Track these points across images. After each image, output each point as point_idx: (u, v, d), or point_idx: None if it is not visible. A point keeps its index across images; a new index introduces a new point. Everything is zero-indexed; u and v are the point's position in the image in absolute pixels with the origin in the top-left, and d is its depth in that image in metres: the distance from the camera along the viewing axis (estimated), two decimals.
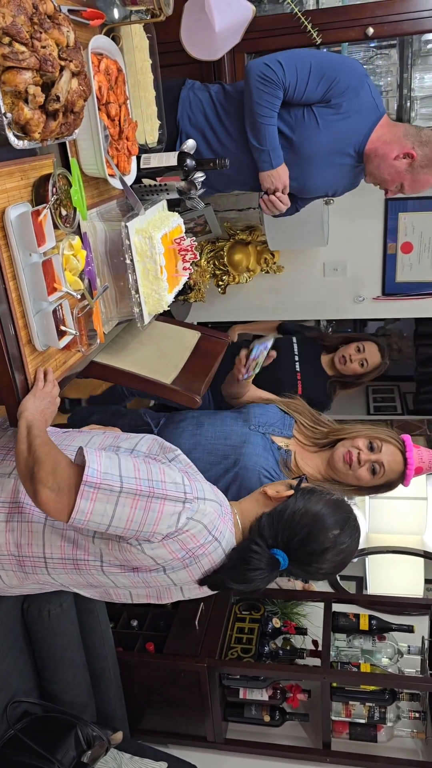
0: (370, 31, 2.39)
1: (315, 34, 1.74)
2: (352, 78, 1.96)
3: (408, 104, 2.68)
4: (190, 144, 1.88)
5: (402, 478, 1.83)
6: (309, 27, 1.79)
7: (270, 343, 1.98)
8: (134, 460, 1.20)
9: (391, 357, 6.18)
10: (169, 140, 2.02)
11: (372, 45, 2.69)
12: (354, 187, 2.30)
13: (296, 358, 2.75)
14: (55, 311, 1.32)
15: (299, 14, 1.66)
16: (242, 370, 1.91)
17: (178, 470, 1.23)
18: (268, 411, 1.96)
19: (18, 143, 1.17)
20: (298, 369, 2.72)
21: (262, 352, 1.95)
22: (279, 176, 2.03)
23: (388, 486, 1.86)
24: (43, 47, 1.13)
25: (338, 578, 3.54)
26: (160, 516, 1.15)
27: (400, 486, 3.85)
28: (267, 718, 2.65)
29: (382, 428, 1.90)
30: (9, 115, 1.12)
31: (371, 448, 1.81)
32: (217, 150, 2.11)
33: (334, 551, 1.26)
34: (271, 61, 1.89)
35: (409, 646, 2.72)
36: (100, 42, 1.52)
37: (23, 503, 1.29)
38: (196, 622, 2.64)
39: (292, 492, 1.30)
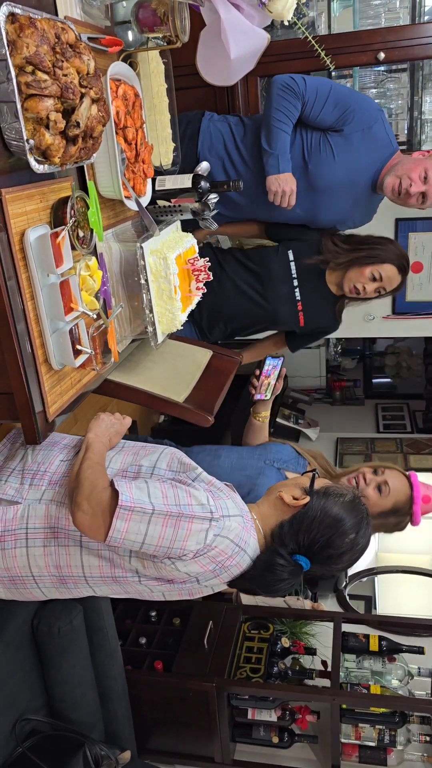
0: (381, 55, 2.44)
1: (328, 60, 1.78)
2: (365, 111, 2.02)
3: (418, 127, 2.71)
4: (204, 166, 1.92)
5: (410, 503, 1.85)
6: (322, 53, 1.83)
7: (281, 361, 2.02)
8: (161, 486, 1.29)
9: (401, 375, 6.20)
10: (189, 170, 2.06)
11: (383, 69, 2.73)
12: (367, 221, 2.32)
13: (295, 283, 2.27)
14: (71, 331, 1.34)
15: (312, 40, 1.70)
16: (254, 391, 1.97)
17: (203, 490, 1.30)
18: (283, 449, 2.03)
19: (39, 168, 1.19)
20: (298, 297, 2.27)
21: (273, 369, 2.00)
22: (285, 180, 2.03)
23: (395, 511, 1.87)
24: (65, 75, 1.17)
25: (348, 597, 3.52)
26: (189, 533, 1.24)
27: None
28: (275, 740, 2.62)
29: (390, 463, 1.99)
30: (31, 141, 1.15)
31: (375, 473, 1.90)
32: (237, 165, 2.15)
33: (351, 552, 1.37)
34: (296, 76, 1.96)
35: (419, 668, 2.69)
36: (118, 68, 1.56)
37: (57, 528, 1.35)
38: (205, 641, 2.63)
39: (308, 499, 1.36)
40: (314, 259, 2.24)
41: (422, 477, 1.94)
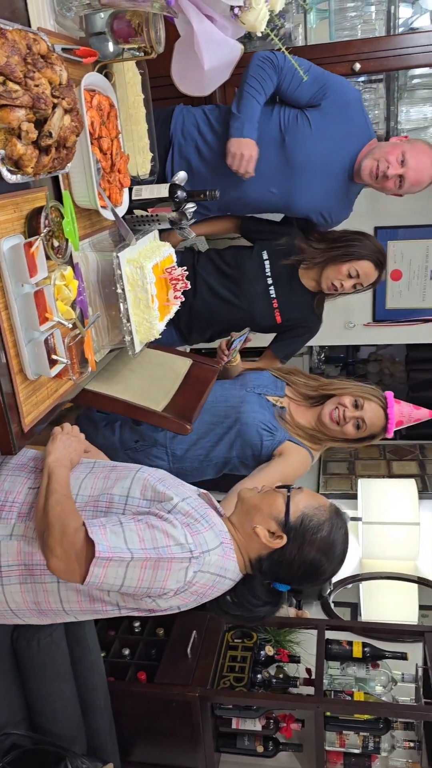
0: (357, 66, 2.47)
1: (302, 72, 1.80)
2: (342, 89, 2.08)
3: (395, 136, 2.74)
4: (181, 176, 1.92)
5: (384, 431, 2.05)
6: (295, 64, 1.85)
7: (247, 334, 2.17)
8: (137, 528, 1.23)
9: (384, 382, 6.23)
10: (162, 151, 2.12)
11: (360, 80, 2.77)
12: (346, 215, 2.34)
13: (269, 281, 2.27)
14: (46, 340, 1.34)
15: (285, 51, 1.72)
16: (224, 358, 2.12)
17: (180, 525, 1.25)
18: (261, 375, 2.15)
19: (11, 177, 1.19)
20: (273, 295, 2.28)
21: (239, 342, 2.15)
22: (246, 144, 2.03)
23: (372, 438, 2.07)
24: (36, 86, 1.17)
25: (332, 605, 3.52)
26: (169, 573, 1.22)
27: (393, 512, 3.88)
28: (260, 749, 2.61)
29: (367, 386, 2.10)
30: (2, 151, 1.15)
31: (356, 406, 2.01)
32: (208, 159, 2.16)
33: (330, 576, 1.41)
34: (277, 52, 2.02)
35: (402, 674, 2.70)
36: (92, 79, 1.56)
37: (32, 565, 1.31)
38: (188, 651, 2.62)
39: (284, 541, 1.32)
40: (290, 259, 2.26)
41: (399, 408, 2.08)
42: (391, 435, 2.08)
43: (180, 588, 1.24)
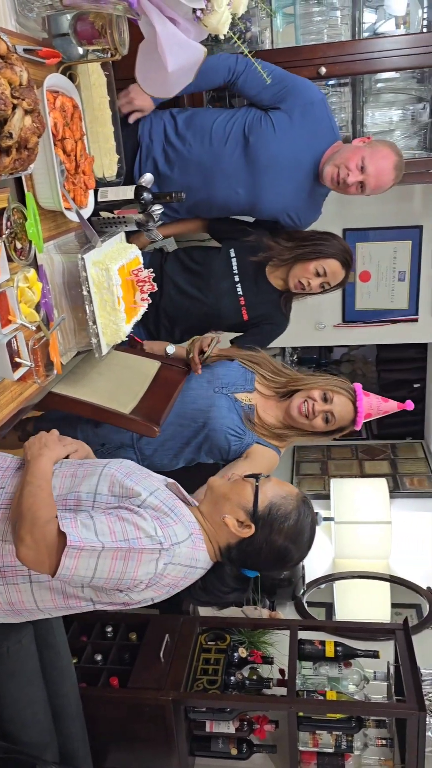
0: (323, 70, 2.48)
1: (265, 75, 1.82)
2: (305, 89, 2.10)
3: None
4: (147, 178, 1.92)
5: (353, 424, 2.06)
6: (258, 67, 1.86)
7: (218, 339, 2.15)
8: (108, 521, 1.24)
9: (356, 382, 6.31)
10: (130, 154, 2.12)
11: (332, 83, 2.79)
12: (314, 218, 2.36)
13: (236, 278, 2.27)
14: (9, 343, 1.33)
15: (248, 54, 1.73)
16: (198, 369, 2.06)
17: (150, 518, 1.26)
18: (230, 370, 2.11)
19: None
20: (240, 292, 2.27)
21: (210, 349, 2.13)
22: (144, 97, 2.07)
23: (340, 430, 2.08)
24: None
25: (306, 605, 3.54)
26: (139, 564, 1.23)
27: (365, 511, 3.91)
28: (234, 752, 2.61)
29: (336, 379, 2.11)
30: None
31: (325, 399, 2.01)
32: (175, 161, 2.17)
33: (298, 562, 1.46)
34: (240, 56, 2.08)
35: (375, 672, 2.72)
36: (55, 80, 1.56)
37: (3, 567, 1.31)
38: (161, 654, 2.60)
39: (252, 530, 1.34)
40: (258, 256, 2.26)
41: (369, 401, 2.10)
42: (359, 428, 2.10)
43: (151, 580, 1.25)
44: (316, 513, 3.79)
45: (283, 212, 2.24)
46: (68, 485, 1.36)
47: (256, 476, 1.41)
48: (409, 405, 2.12)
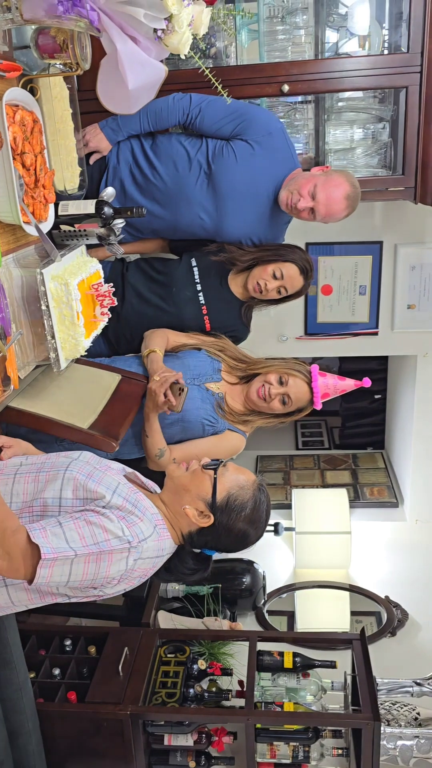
0: (286, 87, 2.52)
1: (225, 94, 1.84)
2: (263, 120, 2.15)
3: (323, 156, 2.82)
4: (109, 192, 1.93)
5: (311, 404, 2.17)
6: (218, 86, 1.88)
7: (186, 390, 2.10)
8: (76, 526, 1.28)
9: None
10: (96, 172, 2.18)
11: (290, 101, 2.83)
12: (279, 239, 2.39)
13: (198, 287, 2.29)
14: None
15: (208, 73, 1.75)
16: (168, 409, 2.04)
17: (117, 519, 1.31)
18: (198, 361, 2.20)
19: None
20: (202, 301, 2.30)
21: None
22: (100, 139, 2.14)
23: (301, 411, 2.19)
24: None
25: (267, 614, 3.56)
26: (110, 564, 1.29)
27: (325, 521, 3.92)
28: (192, 765, 2.60)
29: (293, 362, 2.21)
30: None
31: (281, 382, 2.12)
32: (141, 184, 2.19)
33: (255, 541, 1.52)
34: (192, 95, 2.15)
35: (332, 682, 2.74)
36: (14, 94, 1.55)
37: None
38: (120, 668, 2.58)
39: (212, 520, 1.42)
40: (220, 256, 2.28)
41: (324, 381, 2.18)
42: (318, 407, 2.18)
43: (123, 576, 1.33)
44: (277, 523, 3.81)
45: (246, 237, 2.29)
46: (32, 491, 1.38)
47: (215, 465, 1.46)
48: (366, 382, 2.22)
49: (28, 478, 1.40)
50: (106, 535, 1.28)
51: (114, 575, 1.31)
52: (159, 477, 1.93)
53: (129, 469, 1.51)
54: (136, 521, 1.34)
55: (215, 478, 1.43)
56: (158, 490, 1.53)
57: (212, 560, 1.55)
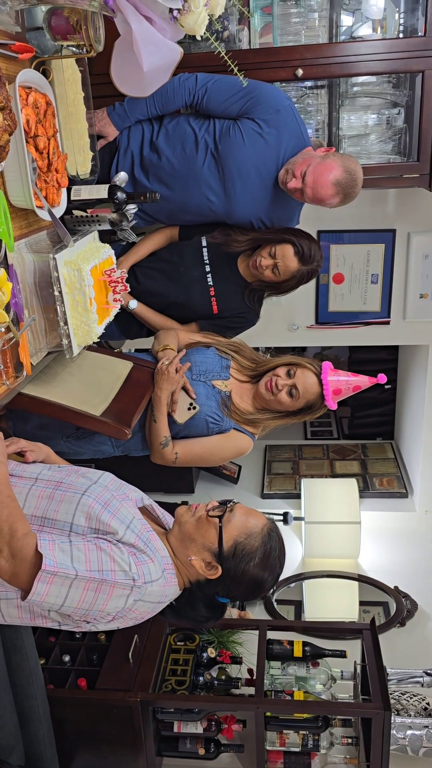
0: (300, 72, 2.48)
1: (241, 76, 1.80)
2: (272, 98, 2.10)
3: (337, 142, 2.78)
4: (121, 176, 1.90)
5: (322, 400, 2.08)
6: (234, 68, 1.85)
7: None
8: (85, 548, 1.24)
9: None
10: (107, 156, 2.14)
11: (303, 86, 2.79)
12: (292, 222, 2.36)
13: (207, 268, 2.28)
14: None
15: (224, 55, 1.72)
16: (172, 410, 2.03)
17: (127, 553, 1.26)
18: (206, 357, 2.16)
19: None
20: (210, 283, 2.28)
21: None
22: (106, 123, 2.12)
23: (311, 409, 2.10)
24: None
25: (275, 604, 3.56)
26: (109, 597, 1.24)
27: (335, 511, 3.86)
28: (201, 752, 2.61)
29: (305, 358, 2.14)
30: None
31: (288, 374, 2.08)
32: (150, 168, 2.16)
33: (273, 585, 1.42)
34: (199, 74, 2.10)
35: (342, 671, 2.74)
36: (28, 76, 1.53)
37: None
38: (130, 655, 2.59)
39: (219, 572, 1.34)
40: (217, 237, 2.26)
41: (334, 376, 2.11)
42: (331, 406, 2.09)
43: (119, 613, 1.27)
44: (286, 512, 3.74)
45: (256, 217, 2.25)
46: (44, 507, 1.34)
47: (221, 511, 1.36)
48: (382, 378, 2.14)
49: (43, 494, 1.36)
50: (113, 565, 1.23)
51: (110, 611, 1.25)
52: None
53: (147, 501, 1.44)
54: (146, 561, 1.28)
55: (221, 527, 1.34)
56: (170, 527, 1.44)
57: (226, 607, 1.45)
